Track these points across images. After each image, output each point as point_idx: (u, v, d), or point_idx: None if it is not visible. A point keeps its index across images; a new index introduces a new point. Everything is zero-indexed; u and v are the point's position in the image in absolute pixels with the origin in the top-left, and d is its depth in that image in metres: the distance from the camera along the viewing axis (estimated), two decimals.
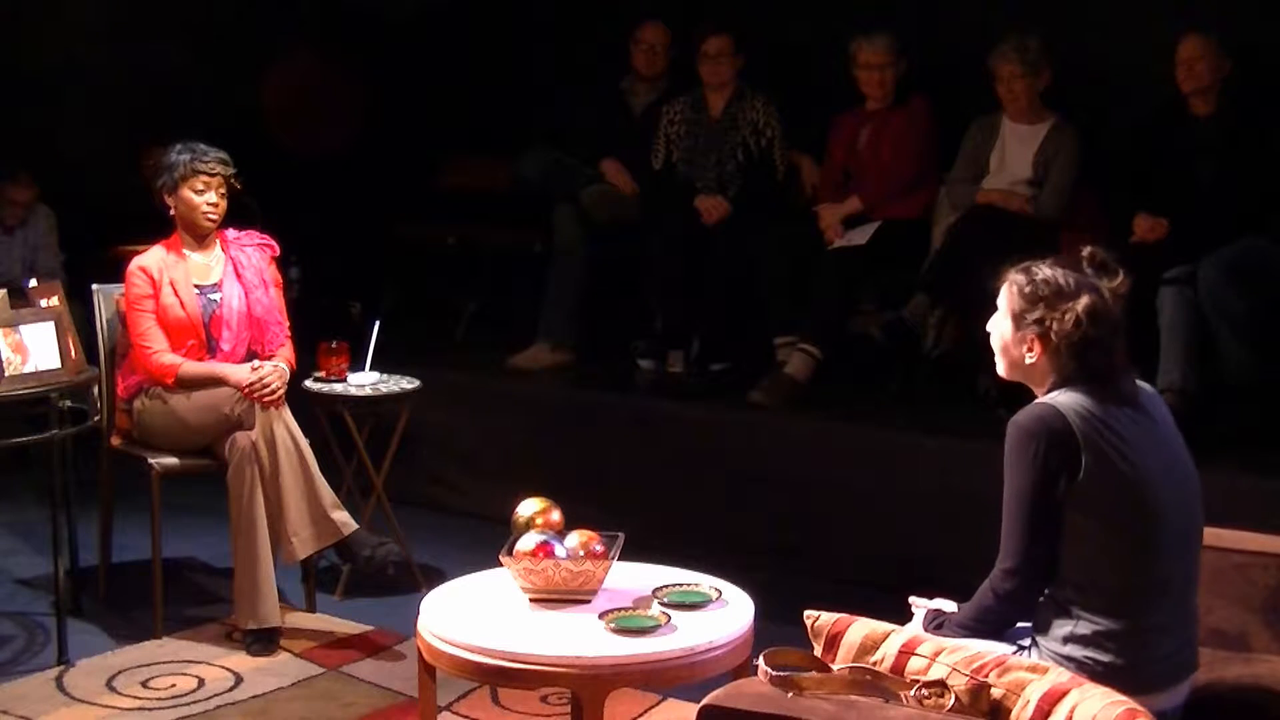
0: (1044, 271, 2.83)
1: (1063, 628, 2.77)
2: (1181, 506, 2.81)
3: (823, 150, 5.93)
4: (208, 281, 4.61)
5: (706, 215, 5.84)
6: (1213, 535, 3.20)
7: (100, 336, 4.67)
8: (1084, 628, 2.75)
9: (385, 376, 4.92)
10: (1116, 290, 2.82)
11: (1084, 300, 2.77)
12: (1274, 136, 4.88)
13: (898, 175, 5.67)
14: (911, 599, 3.04)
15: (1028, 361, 2.85)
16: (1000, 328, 2.90)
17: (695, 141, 6.01)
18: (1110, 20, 5.50)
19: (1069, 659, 2.71)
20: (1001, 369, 2.94)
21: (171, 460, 4.51)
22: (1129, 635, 2.74)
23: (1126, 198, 5.07)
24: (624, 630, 3.17)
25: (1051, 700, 2.36)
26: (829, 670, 2.59)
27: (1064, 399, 2.76)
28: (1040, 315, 2.80)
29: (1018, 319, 2.85)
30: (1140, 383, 2.91)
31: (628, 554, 3.50)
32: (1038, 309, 2.80)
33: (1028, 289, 2.83)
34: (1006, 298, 2.88)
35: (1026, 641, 2.84)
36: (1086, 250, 2.86)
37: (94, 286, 4.72)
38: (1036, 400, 2.81)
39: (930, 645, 2.56)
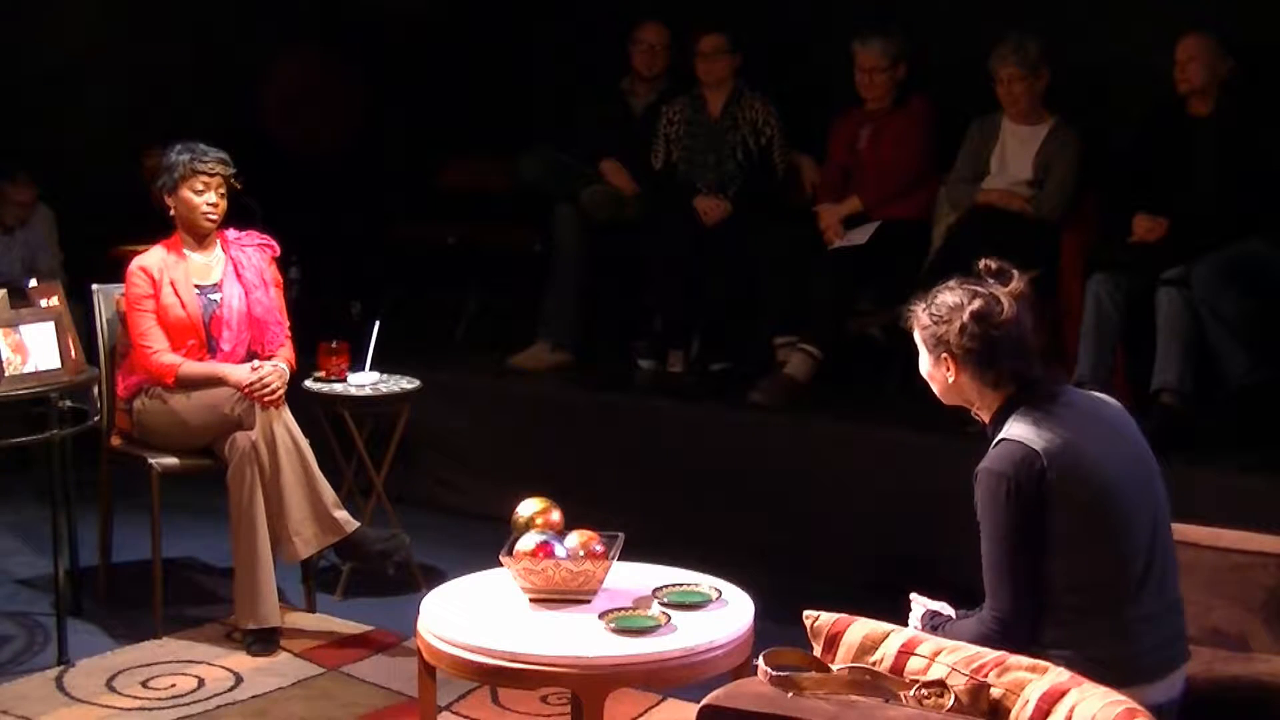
0: (939, 296, 2.91)
1: (1048, 626, 2.78)
2: (1145, 497, 2.85)
3: (823, 150, 5.93)
4: (208, 281, 4.61)
5: (706, 216, 5.84)
6: (1212, 535, 3.22)
7: (100, 336, 4.67)
8: (1069, 625, 2.77)
9: (385, 376, 4.92)
10: (1014, 293, 2.88)
11: (970, 306, 2.85)
12: (1273, 137, 4.88)
13: (898, 175, 5.67)
14: (912, 595, 3.04)
15: (950, 382, 2.93)
16: (922, 363, 2.99)
17: (695, 141, 6.01)
18: (1110, 20, 5.49)
19: (1058, 656, 2.71)
20: (941, 399, 3.01)
21: (171, 460, 4.51)
22: (1114, 629, 2.76)
23: (1126, 197, 5.07)
24: (624, 630, 3.17)
25: (1051, 700, 2.36)
26: (829, 670, 2.59)
27: (1018, 430, 2.81)
28: (941, 334, 2.89)
29: (928, 346, 2.94)
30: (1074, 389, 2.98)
31: (628, 554, 3.50)
32: (940, 329, 2.89)
33: (926, 317, 2.92)
34: (917, 333, 2.96)
35: None
36: (981, 262, 2.93)
37: (94, 286, 4.72)
38: (996, 439, 2.85)
39: (930, 645, 2.56)
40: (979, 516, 2.81)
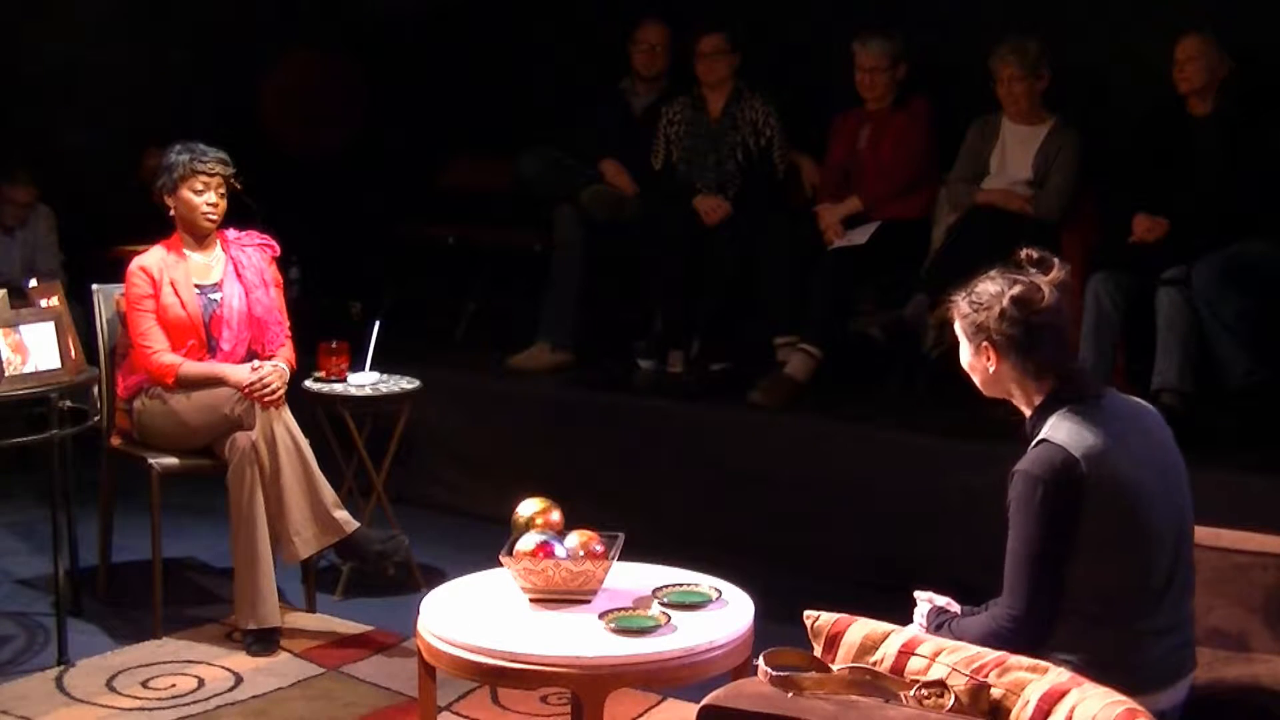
0: (980, 285, 2.91)
1: (1060, 630, 2.78)
2: (1173, 509, 2.84)
3: (823, 150, 5.93)
4: (208, 281, 4.61)
5: (707, 216, 5.83)
6: (1212, 535, 3.21)
7: (100, 336, 4.67)
8: (1081, 630, 2.76)
9: (385, 376, 4.92)
10: (1053, 281, 2.87)
11: (1010, 292, 2.84)
12: (1273, 137, 4.88)
13: (898, 175, 5.67)
14: (916, 592, 3.04)
15: (991, 372, 2.91)
16: (963, 353, 2.98)
17: (695, 141, 6.01)
18: (1110, 20, 5.50)
19: (1066, 661, 2.71)
20: (982, 390, 2.99)
21: (171, 460, 4.51)
22: (1126, 637, 2.75)
23: (1126, 197, 5.08)
24: (624, 630, 3.17)
25: (1051, 700, 2.36)
26: (829, 670, 2.59)
27: (1059, 432, 2.80)
28: (981, 321, 2.88)
29: (969, 336, 2.93)
30: (1116, 391, 2.97)
31: (628, 554, 3.50)
32: (980, 316, 2.88)
33: (967, 305, 2.91)
34: (958, 323, 2.95)
35: None
36: (1022, 252, 2.93)
37: (94, 286, 4.72)
38: (1035, 440, 2.84)
39: (930, 645, 2.56)
40: (1010, 514, 2.80)
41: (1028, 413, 2.90)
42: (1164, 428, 2.94)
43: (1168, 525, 2.80)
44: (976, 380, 2.97)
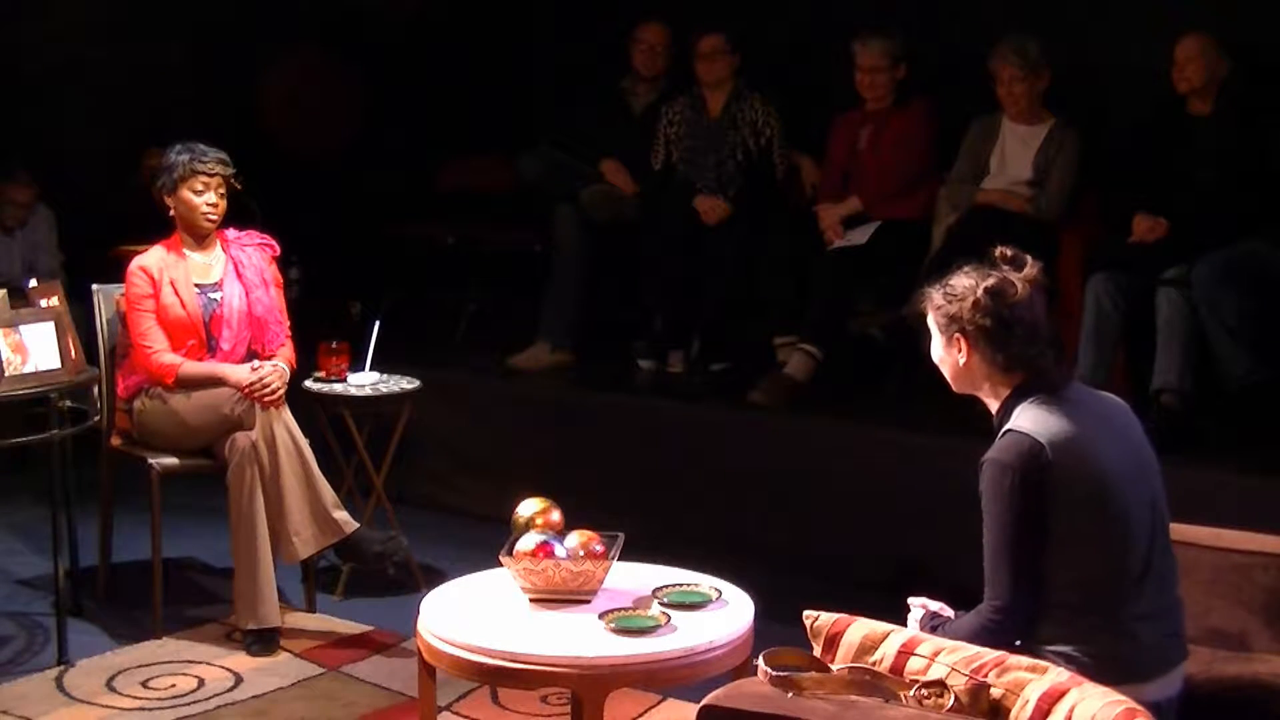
0: (954, 278, 2.92)
1: (1046, 623, 2.79)
2: (1144, 495, 2.85)
3: (823, 150, 5.93)
4: (208, 281, 4.61)
5: (706, 216, 5.83)
6: (1212, 535, 3.22)
7: (100, 336, 4.67)
8: (1066, 622, 2.77)
9: (385, 376, 4.92)
10: (1028, 278, 2.89)
11: (984, 283, 2.86)
12: (1273, 137, 4.88)
13: (898, 175, 5.67)
14: (910, 599, 3.05)
15: (962, 364, 2.93)
16: (935, 346, 2.99)
17: (695, 141, 6.01)
18: (1110, 20, 5.50)
19: (1056, 654, 2.72)
20: (952, 385, 3.01)
21: (171, 460, 4.51)
22: (1111, 627, 2.77)
23: (1126, 197, 5.08)
24: (624, 630, 3.17)
25: (1051, 699, 2.37)
26: (829, 670, 2.59)
27: (1024, 421, 2.81)
28: (954, 312, 2.89)
29: (942, 327, 2.94)
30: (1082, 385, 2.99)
31: (628, 554, 3.50)
32: (953, 307, 2.90)
33: (941, 297, 2.93)
34: (930, 315, 2.97)
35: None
36: (996, 250, 2.94)
37: (94, 286, 4.72)
38: (1003, 430, 2.84)
39: (930, 645, 2.56)
40: (983, 506, 2.82)
41: (994, 407, 2.93)
42: (1132, 420, 2.95)
43: (1140, 511, 2.81)
44: (946, 373, 2.99)
